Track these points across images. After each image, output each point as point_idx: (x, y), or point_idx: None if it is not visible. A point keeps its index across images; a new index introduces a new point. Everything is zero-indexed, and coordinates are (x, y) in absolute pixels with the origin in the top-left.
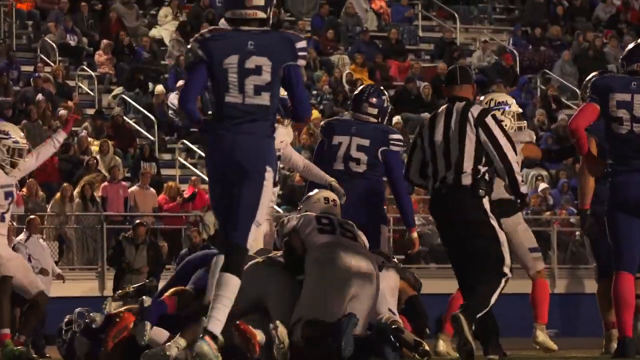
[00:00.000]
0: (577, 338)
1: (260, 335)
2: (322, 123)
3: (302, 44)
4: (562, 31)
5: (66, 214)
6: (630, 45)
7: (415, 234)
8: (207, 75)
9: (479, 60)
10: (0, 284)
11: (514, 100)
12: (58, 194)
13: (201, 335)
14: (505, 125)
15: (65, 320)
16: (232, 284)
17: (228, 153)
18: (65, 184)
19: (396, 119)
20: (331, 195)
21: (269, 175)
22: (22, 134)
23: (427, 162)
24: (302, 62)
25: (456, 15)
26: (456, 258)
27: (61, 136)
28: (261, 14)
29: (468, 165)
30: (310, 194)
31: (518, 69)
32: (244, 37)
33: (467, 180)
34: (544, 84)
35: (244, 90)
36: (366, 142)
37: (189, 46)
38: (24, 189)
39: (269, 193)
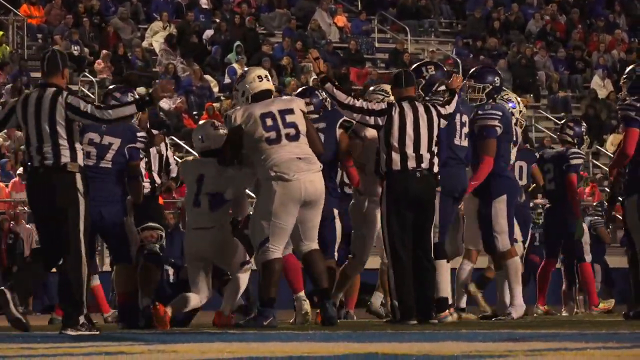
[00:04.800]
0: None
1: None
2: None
3: None
4: (499, 43)
5: None
6: None
7: None
8: None
9: None
10: None
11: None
12: None
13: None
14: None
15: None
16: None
17: None
18: None
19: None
20: (263, 72)
21: None
22: None
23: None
24: None
25: (407, 29)
26: None
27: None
28: None
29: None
30: (245, 73)
31: (461, 74)
32: None
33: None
34: None
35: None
36: None
37: None
38: None
39: None
